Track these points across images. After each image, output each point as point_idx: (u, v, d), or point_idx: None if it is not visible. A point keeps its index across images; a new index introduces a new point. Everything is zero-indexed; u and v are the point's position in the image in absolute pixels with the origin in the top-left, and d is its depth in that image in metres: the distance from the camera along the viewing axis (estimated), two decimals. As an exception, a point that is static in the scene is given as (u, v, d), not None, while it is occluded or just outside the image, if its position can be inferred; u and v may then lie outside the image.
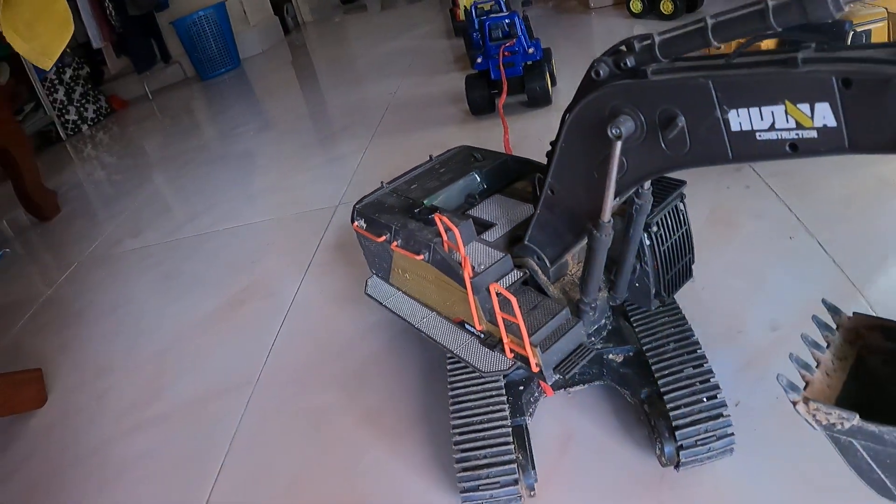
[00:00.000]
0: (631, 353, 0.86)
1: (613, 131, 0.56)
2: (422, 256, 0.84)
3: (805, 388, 0.58)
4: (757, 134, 0.49)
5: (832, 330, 0.63)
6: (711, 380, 0.78)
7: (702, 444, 0.75)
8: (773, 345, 0.93)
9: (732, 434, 0.76)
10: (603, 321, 0.85)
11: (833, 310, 0.63)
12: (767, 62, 0.48)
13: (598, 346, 0.85)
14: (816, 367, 0.60)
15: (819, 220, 1.19)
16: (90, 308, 1.73)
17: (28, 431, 1.34)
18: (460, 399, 0.83)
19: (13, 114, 2.61)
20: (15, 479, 1.22)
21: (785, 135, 0.47)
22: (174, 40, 4.89)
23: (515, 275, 0.79)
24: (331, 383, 1.12)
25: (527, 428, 0.84)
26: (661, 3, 3.01)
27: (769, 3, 0.44)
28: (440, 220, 0.80)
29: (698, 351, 0.81)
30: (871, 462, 0.56)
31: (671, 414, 0.76)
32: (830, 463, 0.60)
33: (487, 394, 0.83)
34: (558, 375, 0.75)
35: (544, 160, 0.71)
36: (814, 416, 0.56)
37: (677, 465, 0.77)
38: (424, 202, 0.94)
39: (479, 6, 2.54)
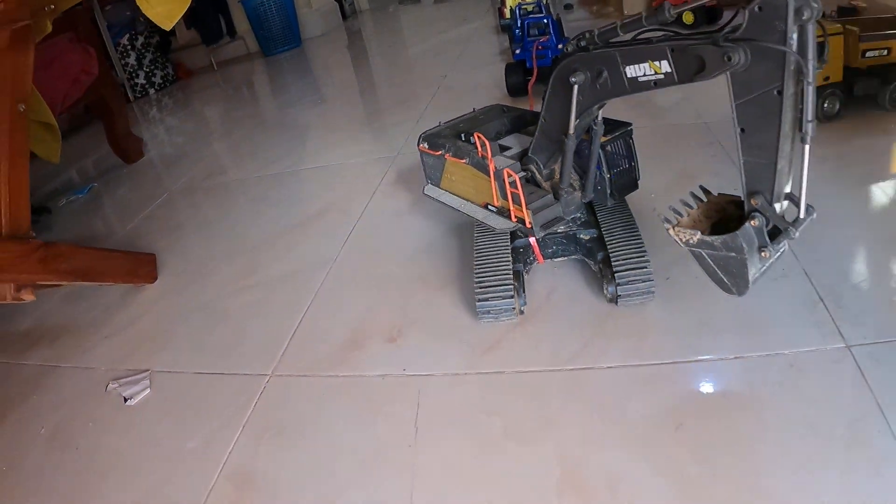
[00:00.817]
0: (594, 235, 1.36)
1: (573, 80, 1.07)
2: (465, 160, 1.36)
3: (677, 223, 1.07)
4: (638, 78, 0.99)
5: (702, 200, 1.11)
6: (641, 246, 1.27)
7: (632, 286, 1.24)
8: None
9: (653, 281, 1.24)
10: (578, 214, 1.35)
11: (706, 191, 1.12)
12: (643, 42, 0.99)
13: (574, 228, 1.37)
14: (687, 216, 1.09)
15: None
16: (186, 223, 2.25)
17: (141, 298, 1.81)
18: (481, 249, 1.35)
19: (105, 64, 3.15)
20: (129, 330, 1.67)
21: (651, 77, 0.97)
22: (241, 17, 5.44)
23: (521, 173, 1.30)
24: (390, 261, 1.63)
25: (523, 273, 1.36)
26: (683, 14, 3.49)
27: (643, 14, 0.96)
28: (478, 137, 1.32)
29: (635, 230, 1.31)
30: (713, 266, 1.05)
31: (613, 265, 1.25)
32: (716, 306, 1.09)
33: (497, 245, 1.34)
34: (544, 232, 1.26)
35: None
36: (678, 237, 1.05)
37: (616, 300, 1.27)
38: (468, 132, 1.46)
39: (522, 7, 3.02)
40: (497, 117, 1.56)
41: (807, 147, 0.88)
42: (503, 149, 1.40)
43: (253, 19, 5.32)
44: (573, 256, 1.42)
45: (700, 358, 1.15)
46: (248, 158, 2.78)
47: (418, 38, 4.96)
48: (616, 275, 1.25)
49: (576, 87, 1.07)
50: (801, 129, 0.87)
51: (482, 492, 0.99)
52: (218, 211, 2.28)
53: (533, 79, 2.36)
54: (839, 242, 1.38)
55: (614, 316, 1.29)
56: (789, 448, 0.95)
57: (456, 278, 1.50)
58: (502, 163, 1.31)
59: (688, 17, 3.47)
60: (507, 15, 3.56)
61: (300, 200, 2.17)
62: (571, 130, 1.13)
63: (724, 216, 1.07)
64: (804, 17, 0.80)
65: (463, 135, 1.44)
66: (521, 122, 1.53)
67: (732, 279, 1.01)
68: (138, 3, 2.34)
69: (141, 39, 4.83)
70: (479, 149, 1.31)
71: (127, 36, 4.75)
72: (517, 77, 2.61)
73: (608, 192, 1.32)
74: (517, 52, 2.66)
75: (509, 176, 1.23)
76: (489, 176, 1.29)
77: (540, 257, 1.38)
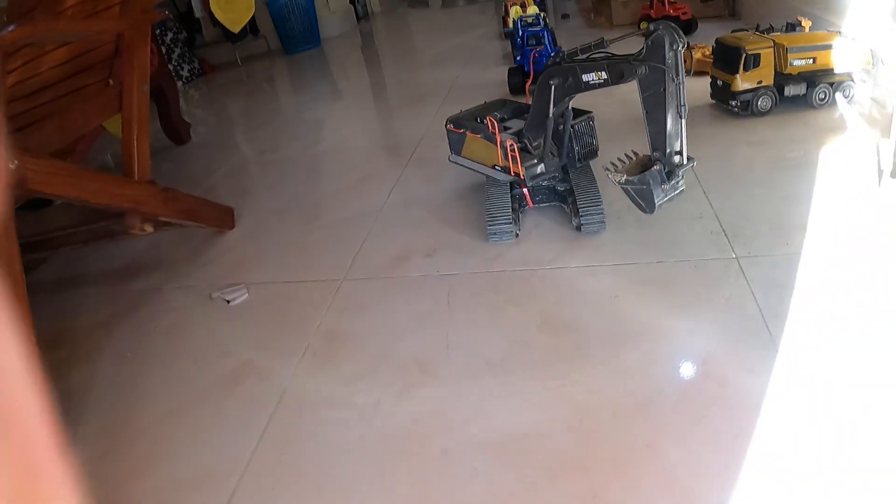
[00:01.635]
0: (567, 187, 2.04)
1: (551, 82, 1.75)
2: (480, 135, 2.04)
3: (614, 170, 1.75)
4: (589, 81, 1.67)
5: (632, 158, 1.79)
6: (597, 194, 1.95)
7: (590, 218, 1.92)
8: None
9: (603, 215, 1.91)
10: (555, 172, 2.03)
11: (635, 153, 1.79)
12: (595, 60, 1.67)
13: (554, 183, 2.05)
14: (622, 166, 1.77)
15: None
16: (251, 188, 2.86)
17: (225, 239, 2.38)
18: (491, 194, 2.03)
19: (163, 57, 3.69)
20: (222, 260, 2.25)
21: (596, 81, 1.65)
22: (264, 16, 5.88)
23: (518, 144, 1.97)
24: (423, 209, 2.30)
25: (518, 211, 2.05)
26: (663, 27, 4.18)
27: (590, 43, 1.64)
28: (489, 120, 2.00)
29: (594, 183, 1.99)
30: (635, 195, 1.72)
31: (578, 205, 1.93)
32: (649, 233, 1.77)
33: (502, 192, 2.02)
34: (532, 182, 1.94)
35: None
36: (613, 179, 1.73)
37: (580, 228, 1.95)
38: (481, 116, 2.15)
39: (524, 19, 3.64)
40: (502, 107, 2.24)
41: (683, 121, 1.56)
42: (506, 128, 2.08)
43: (276, 19, 5.82)
44: (553, 203, 2.10)
45: (634, 262, 1.83)
46: (293, 141, 3.43)
47: (430, 43, 5.64)
48: (580, 211, 1.93)
49: (553, 87, 1.75)
50: (679, 109, 1.55)
51: (491, 334, 1.65)
52: (277, 178, 2.92)
53: (529, 81, 3.04)
54: (746, 197, 2.06)
55: (578, 238, 1.97)
56: (684, 305, 1.64)
57: (471, 219, 2.17)
58: (505, 136, 1.98)
59: (665, 29, 4.16)
60: (510, 24, 4.14)
61: (346, 171, 2.85)
62: (550, 115, 1.81)
63: (645, 167, 1.74)
64: (675, 48, 1.48)
65: (478, 118, 2.12)
66: (519, 111, 2.21)
67: (645, 203, 1.68)
68: (212, 9, 3.04)
69: (170, 35, 5.25)
70: (490, 127, 1.99)
71: (157, 31, 5.11)
72: (517, 78, 3.31)
73: (576, 158, 2.00)
74: (518, 58, 3.38)
75: (510, 145, 1.91)
76: (496, 145, 1.97)
77: (530, 202, 2.06)
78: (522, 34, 3.48)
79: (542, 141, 1.91)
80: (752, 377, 1.39)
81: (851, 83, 2.64)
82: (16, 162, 1.55)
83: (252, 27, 6.16)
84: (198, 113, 4.63)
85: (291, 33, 5.90)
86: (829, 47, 2.63)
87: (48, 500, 0.23)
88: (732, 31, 3.10)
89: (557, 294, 1.75)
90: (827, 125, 2.52)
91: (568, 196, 2.03)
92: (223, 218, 2.46)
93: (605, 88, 1.70)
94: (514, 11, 4.17)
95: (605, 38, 1.66)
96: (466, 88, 3.76)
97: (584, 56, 1.70)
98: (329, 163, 3.00)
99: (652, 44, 1.49)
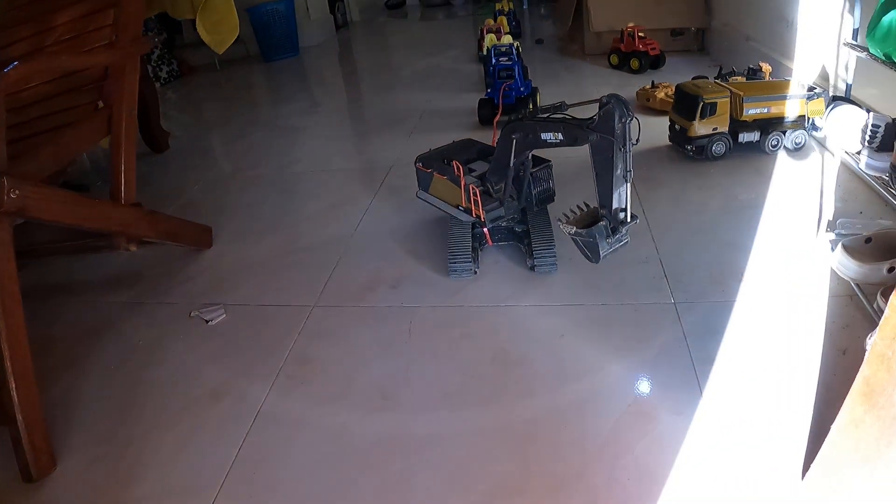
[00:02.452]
0: (525, 228, 2.23)
1: (513, 136, 1.92)
2: (446, 177, 2.21)
3: (566, 221, 1.93)
4: (547, 140, 1.85)
5: (583, 209, 1.97)
6: (551, 237, 2.14)
7: (543, 260, 2.11)
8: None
9: (555, 258, 2.11)
10: (514, 215, 2.21)
11: (587, 204, 1.97)
12: (553, 121, 1.85)
13: (512, 224, 2.23)
14: (573, 217, 1.95)
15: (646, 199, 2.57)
16: (228, 206, 2.95)
17: (203, 258, 2.47)
18: (453, 233, 2.21)
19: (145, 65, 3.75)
20: (200, 278, 2.33)
21: (554, 139, 1.83)
22: (244, 22, 5.70)
23: (481, 187, 2.15)
24: (391, 239, 2.46)
25: (478, 249, 2.23)
26: (631, 60, 4.39)
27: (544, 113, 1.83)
28: (455, 163, 2.18)
29: (549, 227, 2.18)
30: (582, 246, 1.87)
31: (532, 247, 2.12)
32: (597, 276, 1.96)
33: (463, 231, 2.21)
34: (492, 224, 2.12)
35: (498, 144, 2.10)
36: (564, 230, 1.90)
37: (533, 269, 2.14)
38: (449, 158, 2.32)
39: (497, 48, 3.78)
40: (469, 148, 2.42)
41: (628, 184, 1.75)
42: (471, 171, 2.26)
43: (257, 26, 5.94)
44: (511, 242, 2.29)
45: (581, 303, 2.02)
46: (269, 158, 3.55)
47: (406, 60, 5.77)
48: (534, 253, 2.12)
49: (514, 140, 1.94)
50: (625, 174, 1.75)
51: (448, 366, 1.82)
52: (253, 197, 3.05)
53: (497, 115, 3.24)
54: (691, 243, 2.25)
55: (532, 278, 2.16)
56: (623, 347, 1.83)
57: (435, 252, 2.35)
58: (469, 180, 2.16)
59: (634, 64, 4.36)
60: (485, 50, 4.31)
61: (319, 194, 2.99)
62: (511, 164, 2.00)
63: (594, 219, 1.92)
64: (623, 121, 1.67)
65: (445, 159, 2.30)
66: (484, 153, 2.38)
67: (591, 254, 1.86)
68: (198, 31, 3.19)
69: (151, 36, 5.31)
70: (455, 170, 2.17)
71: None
72: (487, 111, 3.48)
73: (534, 202, 2.20)
74: (489, 90, 3.56)
75: (473, 189, 2.10)
76: (461, 187, 2.16)
77: (489, 240, 2.24)
78: (495, 64, 3.66)
79: (503, 185, 2.09)
80: (678, 418, 1.57)
81: (803, 132, 2.84)
82: (17, 192, 1.70)
83: (233, 32, 6.26)
84: (176, 116, 4.73)
85: (271, 41, 6.01)
86: (783, 98, 2.82)
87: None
88: (693, 78, 3.30)
89: (510, 331, 1.93)
90: (777, 172, 2.71)
91: (525, 237, 2.22)
92: (202, 237, 2.60)
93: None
94: (489, 39, 4.35)
95: (565, 102, 1.85)
96: (438, 115, 3.93)
97: (545, 116, 1.89)
98: (303, 184, 3.15)
99: (603, 115, 1.67)
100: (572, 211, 1.93)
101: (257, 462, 1.59)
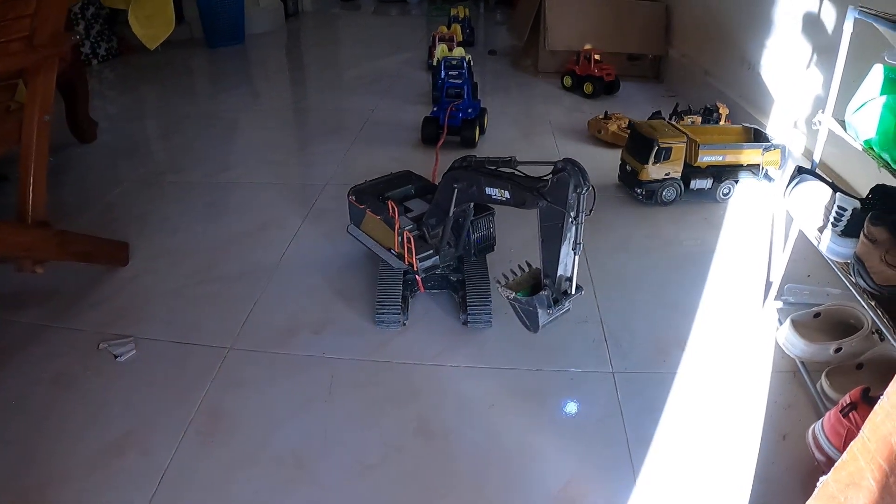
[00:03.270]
0: (460, 277, 2.09)
1: (455, 185, 1.78)
2: (379, 217, 2.05)
3: (505, 284, 1.79)
4: (492, 195, 1.70)
5: (525, 270, 1.84)
6: (487, 291, 2.01)
7: (477, 316, 1.97)
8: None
9: (491, 315, 1.97)
10: (450, 262, 2.07)
11: (529, 265, 1.84)
12: (500, 177, 1.71)
13: (447, 272, 2.08)
14: (513, 279, 1.81)
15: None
16: (149, 217, 2.72)
17: (117, 277, 2.27)
18: (382, 278, 2.06)
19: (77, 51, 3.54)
20: (111, 302, 2.13)
21: (498, 197, 1.69)
22: (190, 4, 5.78)
23: (416, 232, 2.00)
24: (318, 274, 2.29)
25: (409, 297, 2.08)
26: (585, 84, 4.28)
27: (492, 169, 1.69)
28: (390, 203, 2.02)
29: (486, 279, 2.05)
30: (521, 312, 1.76)
31: (467, 301, 1.98)
32: (533, 337, 1.82)
33: (393, 277, 2.06)
34: (425, 273, 1.97)
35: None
36: (503, 293, 1.77)
37: (466, 324, 2.00)
38: (384, 194, 2.16)
39: (448, 61, 3.64)
40: (407, 182, 2.26)
41: (577, 256, 1.62)
42: (407, 210, 2.10)
43: (203, 9, 5.70)
44: (444, 290, 2.15)
45: (514, 367, 1.88)
46: (198, 163, 3.33)
47: (354, 60, 5.62)
48: (468, 308, 1.98)
49: (456, 190, 1.79)
50: (574, 246, 1.61)
51: (369, 433, 1.66)
52: (175, 208, 2.83)
53: (441, 140, 3.09)
54: (634, 302, 2.15)
55: (464, 333, 2.02)
56: (556, 421, 1.71)
57: (365, 293, 2.19)
58: (404, 223, 2.00)
59: (588, 88, 4.25)
60: (435, 60, 4.17)
61: (246, 212, 2.79)
62: (450, 214, 1.85)
63: (537, 282, 1.78)
64: (578, 191, 1.53)
65: (380, 196, 2.14)
66: (423, 190, 2.23)
67: (529, 322, 1.73)
68: (130, 23, 2.96)
69: (92, 10, 5.12)
70: (391, 211, 2.01)
71: (79, 4, 5.02)
72: (431, 130, 3.32)
73: (472, 251, 2.05)
74: (434, 108, 3.39)
75: (407, 236, 1.94)
76: (394, 231, 1.99)
77: (422, 288, 2.08)
78: (444, 79, 3.50)
79: (440, 231, 1.94)
80: None
81: (756, 182, 2.77)
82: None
83: (177, 11, 5.97)
84: (110, 98, 4.51)
85: (216, 26, 5.78)
86: (740, 147, 2.77)
87: None
88: (650, 116, 3.20)
89: (437, 395, 1.79)
90: (726, 223, 2.65)
91: (459, 288, 2.08)
92: (117, 255, 2.39)
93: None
94: (441, 50, 4.20)
95: (515, 157, 1.71)
96: (382, 125, 3.77)
97: (492, 168, 1.74)
98: (231, 198, 2.95)
99: (556, 182, 1.53)
100: (512, 272, 1.79)
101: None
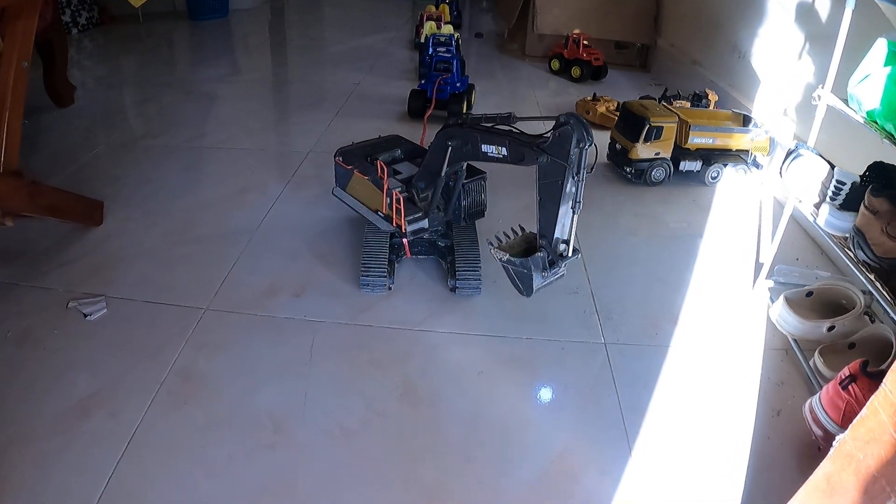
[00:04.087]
0: (449, 243, 2.00)
1: (449, 143, 1.69)
2: (367, 177, 1.96)
3: (498, 246, 1.71)
4: (488, 153, 1.62)
5: (518, 234, 1.75)
6: (477, 257, 1.92)
7: (466, 282, 1.89)
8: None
9: (480, 281, 1.89)
10: (438, 227, 1.98)
11: (522, 228, 1.76)
12: (498, 133, 1.62)
13: (435, 237, 2.00)
14: (506, 241, 1.73)
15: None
16: (125, 178, 2.61)
17: (90, 236, 2.17)
18: (368, 241, 1.97)
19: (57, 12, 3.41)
20: (83, 261, 2.04)
21: (495, 154, 1.61)
22: None
23: (405, 194, 1.91)
24: (299, 238, 2.20)
25: (395, 262, 1.99)
26: (572, 67, 4.21)
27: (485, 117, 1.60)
28: (379, 163, 1.93)
29: (476, 245, 1.96)
30: (514, 275, 1.68)
31: (455, 266, 1.90)
32: (523, 305, 1.74)
33: (380, 240, 1.97)
34: (413, 237, 1.88)
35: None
36: (495, 255, 1.69)
37: (455, 290, 1.91)
38: (373, 156, 2.07)
39: (437, 38, 3.56)
40: (395, 146, 2.17)
41: (576, 216, 1.54)
42: (396, 173, 2.01)
43: None
44: (431, 256, 2.06)
45: (503, 335, 1.80)
46: (178, 127, 3.21)
47: (339, 37, 5.49)
48: (457, 273, 1.90)
49: (450, 148, 1.70)
50: (573, 205, 1.53)
51: (351, 397, 1.58)
52: (153, 170, 2.72)
53: (429, 111, 2.99)
54: (624, 276, 2.09)
55: (452, 300, 1.93)
56: (552, 398, 1.62)
57: (347, 258, 2.10)
58: (393, 184, 1.91)
59: (575, 72, 4.18)
60: (423, 38, 4.11)
61: (226, 176, 2.69)
62: (443, 173, 1.76)
63: (530, 245, 1.71)
64: (581, 146, 1.45)
65: (368, 157, 2.05)
66: (412, 154, 2.14)
67: (523, 286, 1.65)
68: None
69: None
70: (379, 171, 1.92)
71: None
72: (418, 103, 3.22)
73: (462, 216, 1.96)
74: (423, 81, 3.29)
75: (396, 195, 1.85)
76: (382, 192, 1.90)
77: (408, 252, 2.00)
78: (433, 54, 3.41)
79: (430, 194, 1.86)
80: (603, 478, 1.40)
81: (745, 167, 2.72)
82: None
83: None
84: (88, 67, 4.34)
85: (200, -1, 5.62)
86: (730, 131, 2.71)
87: None
88: (640, 98, 3.14)
89: (423, 361, 1.70)
90: (715, 205, 2.59)
91: (447, 254, 1.99)
92: (91, 214, 2.27)
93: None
94: (429, 27, 4.13)
95: (514, 114, 1.63)
96: (366, 99, 3.68)
97: (489, 125, 1.66)
98: (211, 163, 2.83)
99: (559, 136, 1.45)
100: (506, 235, 1.71)
101: (127, 496, 1.32)
